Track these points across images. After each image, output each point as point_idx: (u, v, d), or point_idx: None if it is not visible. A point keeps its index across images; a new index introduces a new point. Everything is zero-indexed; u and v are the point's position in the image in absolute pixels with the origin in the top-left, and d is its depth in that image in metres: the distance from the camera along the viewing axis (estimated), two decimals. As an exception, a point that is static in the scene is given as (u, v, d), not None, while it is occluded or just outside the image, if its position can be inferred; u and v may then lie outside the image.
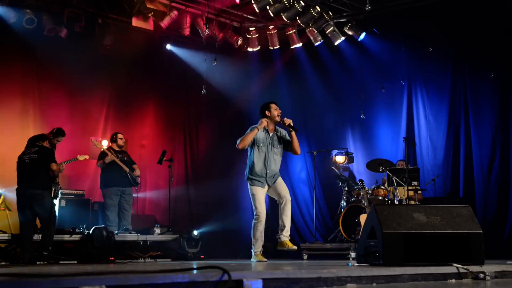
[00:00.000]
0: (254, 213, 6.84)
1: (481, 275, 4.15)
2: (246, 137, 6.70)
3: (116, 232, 8.55)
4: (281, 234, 6.79)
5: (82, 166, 10.37)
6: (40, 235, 7.53)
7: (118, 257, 8.12)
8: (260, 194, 6.81)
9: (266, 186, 6.87)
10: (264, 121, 6.73)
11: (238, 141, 6.74)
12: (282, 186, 6.89)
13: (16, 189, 7.69)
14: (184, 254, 8.91)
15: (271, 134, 6.85)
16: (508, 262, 5.69)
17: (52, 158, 7.71)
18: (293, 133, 6.76)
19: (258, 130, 6.71)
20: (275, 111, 6.81)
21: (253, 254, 6.92)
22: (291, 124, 6.74)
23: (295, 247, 6.81)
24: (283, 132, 6.94)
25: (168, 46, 11.54)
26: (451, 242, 4.57)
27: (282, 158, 11.77)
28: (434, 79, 10.56)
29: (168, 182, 10.29)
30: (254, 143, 6.77)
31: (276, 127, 6.93)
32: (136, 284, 2.85)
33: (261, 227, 6.77)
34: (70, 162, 8.61)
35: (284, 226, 6.77)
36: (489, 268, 4.33)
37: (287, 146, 6.91)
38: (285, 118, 6.77)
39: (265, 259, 6.82)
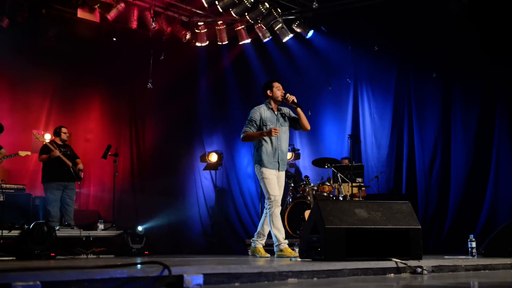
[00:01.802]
0: (268, 199, 6.33)
1: (419, 270, 4.26)
2: (252, 136, 6.41)
3: (57, 227, 8.36)
4: (256, 240, 6.51)
5: (23, 160, 10.10)
6: None
7: (60, 253, 7.93)
8: (273, 176, 6.35)
9: (277, 172, 6.45)
10: (274, 133, 6.27)
11: (242, 134, 6.43)
12: (280, 190, 6.49)
13: None
14: (128, 250, 8.78)
15: (276, 113, 6.53)
16: (446, 257, 5.85)
17: None
18: (299, 109, 6.44)
19: (264, 136, 6.36)
20: (278, 91, 6.50)
21: (276, 250, 6.38)
22: (295, 100, 6.43)
23: (268, 255, 6.45)
24: (286, 110, 6.65)
25: (115, 39, 11.35)
26: (391, 237, 4.66)
27: (228, 154, 11.88)
28: (379, 78, 10.73)
29: (112, 177, 10.14)
30: (261, 126, 6.40)
31: (279, 106, 6.61)
32: (73, 280, 2.79)
33: (278, 212, 6.30)
34: (11, 157, 8.38)
35: (264, 235, 6.49)
36: (427, 262, 4.44)
37: (295, 123, 6.60)
38: (288, 95, 6.46)
39: (296, 254, 6.07)
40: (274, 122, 6.45)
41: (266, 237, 6.57)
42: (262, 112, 6.46)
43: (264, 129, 6.36)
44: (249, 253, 6.79)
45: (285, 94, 6.50)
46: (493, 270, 4.88)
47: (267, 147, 6.38)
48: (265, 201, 6.41)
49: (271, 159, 6.39)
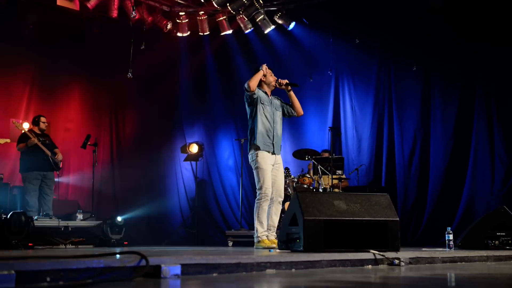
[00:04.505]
0: (259, 190, 6.21)
1: (396, 261, 4.28)
2: (254, 76, 6.33)
3: (35, 217, 8.28)
4: (269, 233, 6.23)
5: (2, 149, 9.99)
6: None
7: (38, 243, 7.86)
8: (268, 166, 6.23)
9: (273, 157, 6.35)
10: (265, 67, 6.43)
11: (247, 84, 6.25)
12: (280, 180, 6.39)
13: None
14: (107, 241, 8.74)
15: (269, 97, 6.49)
16: (423, 249, 5.90)
17: None
18: (292, 92, 6.45)
19: (263, 72, 6.40)
20: (271, 76, 6.49)
21: (255, 240, 6.22)
22: (288, 82, 6.46)
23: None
24: (278, 97, 6.63)
25: (95, 28, 11.24)
26: (369, 229, 4.69)
27: (209, 145, 11.84)
28: (360, 71, 10.76)
29: (92, 167, 10.07)
30: (258, 102, 6.33)
31: (271, 92, 6.58)
32: (48, 270, 2.75)
33: (266, 206, 6.18)
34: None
35: (274, 227, 6.29)
36: (404, 254, 4.47)
37: (288, 110, 6.57)
38: (280, 80, 6.47)
39: (274, 245, 5.99)
40: (269, 104, 6.42)
41: (276, 228, 6.33)
42: (258, 91, 6.41)
43: (261, 107, 6.33)
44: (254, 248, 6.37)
45: (277, 79, 6.51)
46: (469, 262, 4.93)
47: (262, 127, 6.31)
48: (257, 191, 6.27)
49: (267, 139, 6.31)
